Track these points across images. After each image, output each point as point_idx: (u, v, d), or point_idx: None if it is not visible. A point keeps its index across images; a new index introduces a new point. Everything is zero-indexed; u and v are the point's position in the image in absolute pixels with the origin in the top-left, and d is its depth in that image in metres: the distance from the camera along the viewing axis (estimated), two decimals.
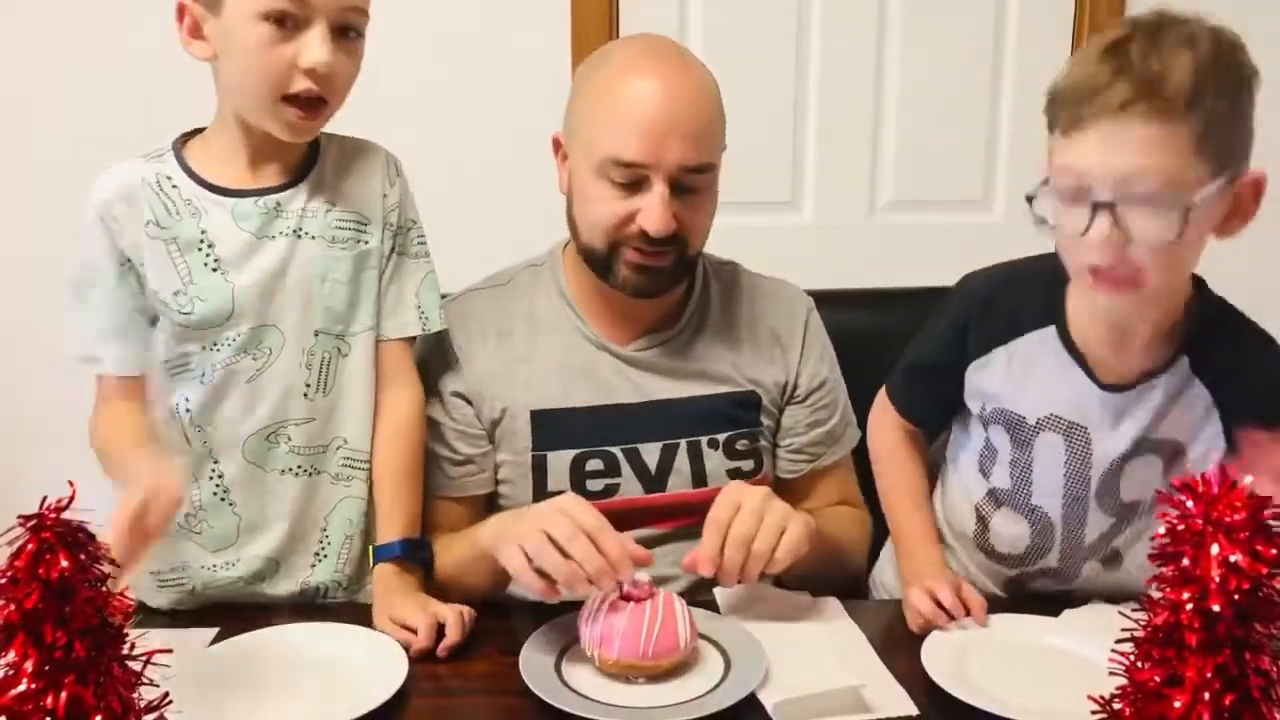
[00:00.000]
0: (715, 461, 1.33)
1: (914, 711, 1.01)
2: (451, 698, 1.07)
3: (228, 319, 1.21)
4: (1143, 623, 0.74)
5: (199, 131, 1.26)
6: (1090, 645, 1.05)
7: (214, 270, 1.20)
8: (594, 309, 1.35)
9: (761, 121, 2.21)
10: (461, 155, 2.14)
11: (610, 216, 1.24)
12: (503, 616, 1.20)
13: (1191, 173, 0.98)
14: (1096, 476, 1.18)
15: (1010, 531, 1.25)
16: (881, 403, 1.35)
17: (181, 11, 1.16)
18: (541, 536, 1.06)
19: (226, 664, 1.09)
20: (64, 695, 0.70)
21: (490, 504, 1.36)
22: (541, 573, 1.07)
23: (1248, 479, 0.70)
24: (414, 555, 1.25)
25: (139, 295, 1.22)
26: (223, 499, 1.25)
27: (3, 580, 0.70)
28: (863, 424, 1.40)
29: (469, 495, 1.34)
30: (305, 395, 1.25)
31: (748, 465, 1.35)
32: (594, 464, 1.32)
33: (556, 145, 1.33)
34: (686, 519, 1.33)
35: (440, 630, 1.14)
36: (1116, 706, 0.76)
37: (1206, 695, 0.70)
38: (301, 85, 1.15)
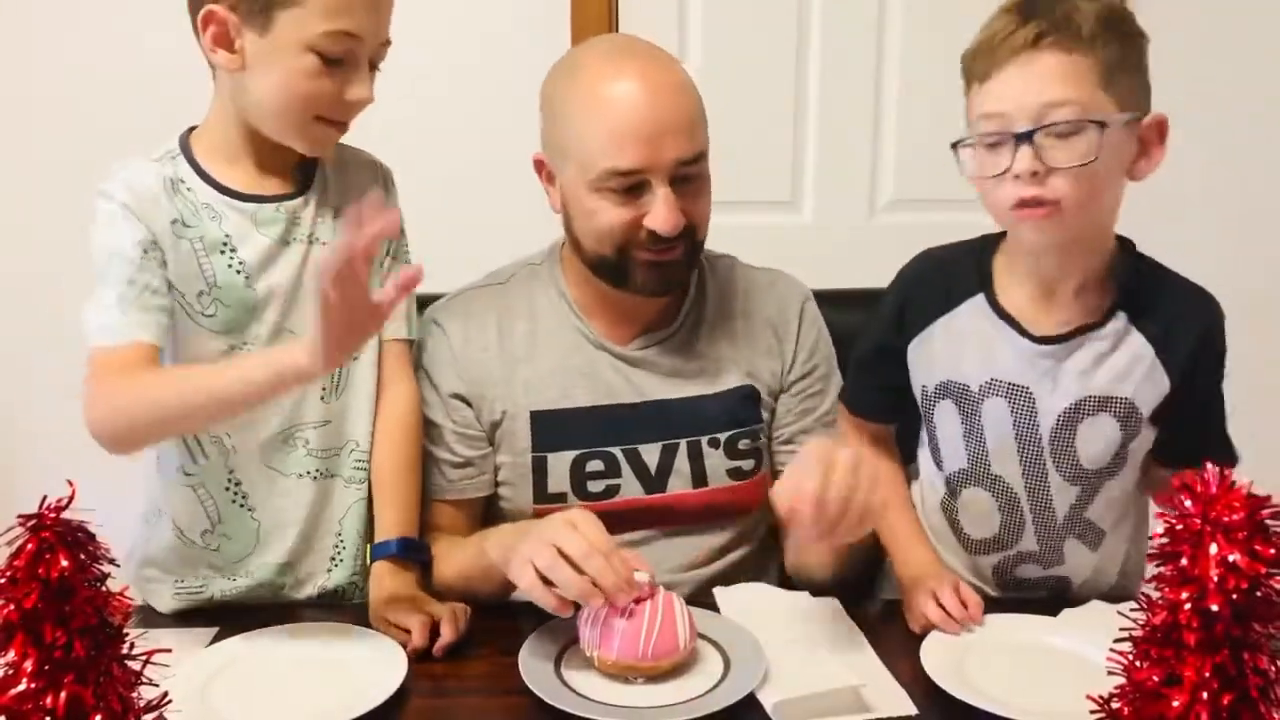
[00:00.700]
0: (715, 461, 1.33)
1: (913, 711, 1.01)
2: (450, 698, 1.07)
3: (249, 324, 1.21)
4: (1141, 622, 0.74)
5: (191, 131, 1.25)
6: (1089, 645, 1.05)
7: (238, 273, 1.20)
8: (593, 309, 1.35)
9: (761, 121, 2.21)
10: (461, 155, 2.15)
11: (617, 225, 1.23)
12: (502, 616, 1.20)
13: (1101, 103, 1.06)
14: (1046, 435, 1.20)
15: (979, 510, 1.26)
16: (841, 412, 1.36)
17: (209, 19, 1.14)
18: (553, 552, 1.05)
19: (226, 664, 1.10)
20: (63, 695, 0.70)
21: (489, 506, 1.36)
22: (549, 584, 1.07)
23: (1246, 479, 0.70)
24: (411, 554, 1.25)
25: (162, 275, 1.17)
26: (242, 506, 1.26)
27: (2, 580, 0.70)
28: None
29: (468, 498, 1.33)
30: (321, 398, 1.25)
31: (748, 464, 1.35)
32: (594, 464, 1.32)
33: (539, 166, 1.31)
34: (687, 520, 1.33)
35: (435, 629, 1.14)
36: (1115, 706, 0.76)
37: (1205, 695, 0.70)
38: (339, 114, 1.18)
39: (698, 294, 1.38)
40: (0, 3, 2.16)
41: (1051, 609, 1.19)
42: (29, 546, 0.70)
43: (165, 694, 0.76)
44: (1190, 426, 1.19)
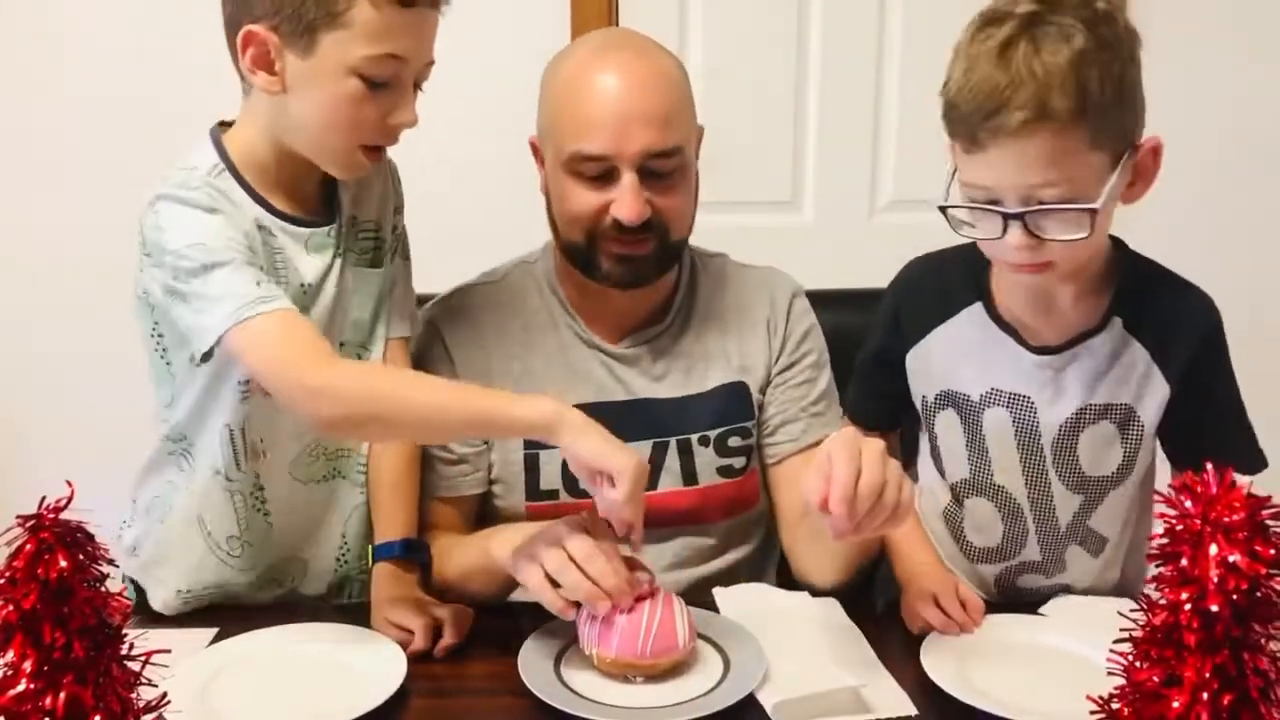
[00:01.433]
0: (706, 459, 1.33)
1: (913, 712, 1.01)
2: (450, 698, 1.07)
3: None
4: (1141, 623, 0.74)
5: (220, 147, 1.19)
6: (1089, 645, 1.05)
7: (286, 284, 1.16)
8: (584, 307, 1.35)
9: (761, 121, 2.21)
10: (460, 154, 2.14)
11: (585, 210, 1.24)
12: (502, 616, 1.20)
13: (1092, 170, 1.03)
14: (1049, 446, 1.19)
15: (982, 519, 1.25)
16: (845, 424, 1.35)
17: (249, 40, 1.10)
18: (563, 555, 1.05)
19: (226, 664, 1.10)
20: (63, 695, 0.70)
21: (482, 505, 1.36)
22: (556, 585, 1.07)
23: (1246, 479, 0.70)
24: (413, 555, 1.25)
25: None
26: (262, 513, 1.25)
27: (1, 580, 0.70)
28: None
29: (462, 495, 1.33)
30: None
31: (739, 462, 1.35)
32: None
33: (534, 148, 1.33)
34: (678, 518, 1.33)
35: (437, 631, 1.14)
36: (1115, 706, 0.76)
37: (1205, 695, 0.70)
38: (381, 139, 1.15)
39: (689, 292, 1.38)
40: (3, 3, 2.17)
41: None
42: (28, 547, 0.70)
43: (165, 694, 0.76)
44: (1202, 426, 1.17)
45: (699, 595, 1.27)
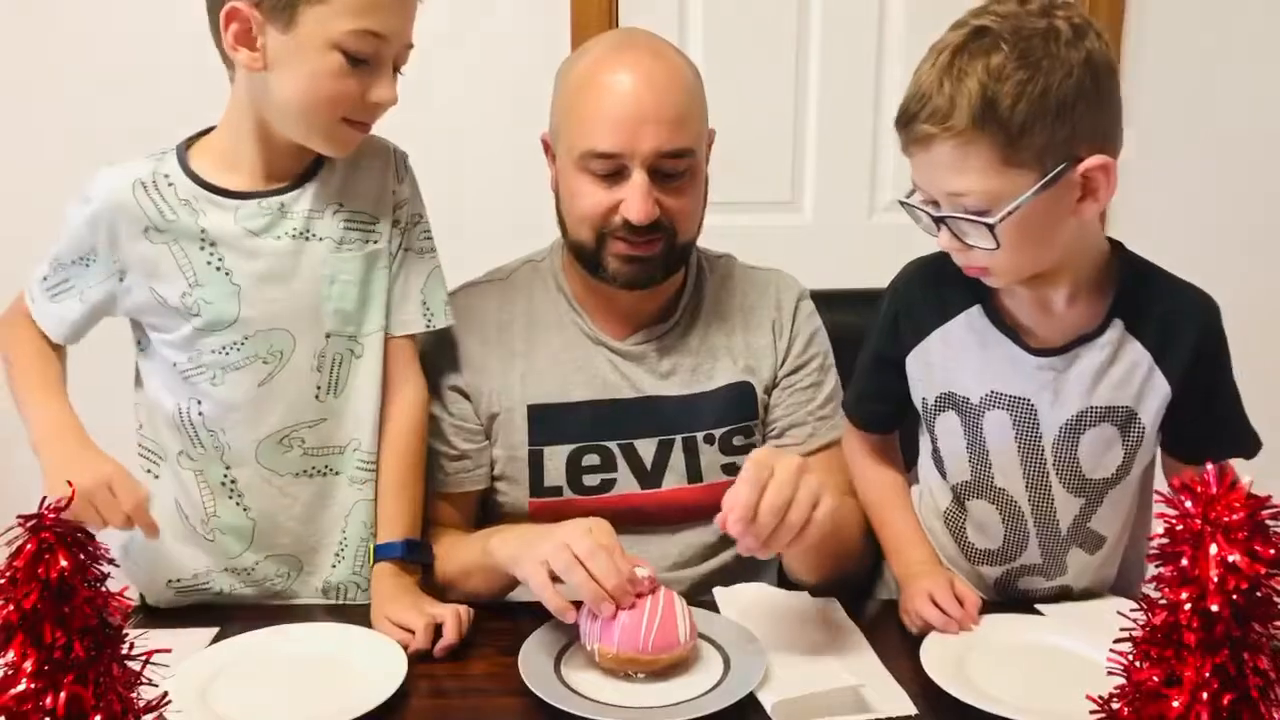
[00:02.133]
0: (710, 457, 1.33)
1: (913, 711, 1.01)
2: (450, 698, 1.08)
3: (235, 320, 1.20)
4: (1141, 623, 0.74)
5: (203, 134, 1.26)
6: (1089, 645, 1.05)
7: (218, 269, 1.20)
8: (591, 304, 1.35)
9: (761, 121, 2.21)
10: (461, 154, 2.15)
11: (594, 208, 1.25)
12: (502, 616, 1.20)
13: (1002, 183, 1.04)
14: (1049, 449, 1.19)
15: (983, 521, 1.25)
16: (845, 424, 1.36)
17: (231, 16, 1.13)
18: (570, 555, 1.06)
19: (226, 664, 1.09)
20: (63, 695, 0.70)
21: (485, 501, 1.36)
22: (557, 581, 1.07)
23: (1247, 479, 0.70)
24: (415, 556, 1.25)
25: (111, 300, 1.23)
26: (237, 503, 1.26)
27: (2, 580, 0.70)
28: None
29: (464, 491, 1.34)
30: (316, 397, 1.25)
31: (743, 460, 1.34)
32: (590, 459, 1.32)
33: (546, 146, 1.34)
34: (682, 515, 1.33)
35: (438, 631, 1.14)
36: (1115, 706, 0.76)
37: (1205, 695, 0.70)
38: (362, 115, 1.18)
39: (695, 291, 1.38)
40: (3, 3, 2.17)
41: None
42: (29, 547, 0.70)
43: (165, 694, 0.76)
44: (1203, 420, 1.17)
45: (700, 593, 1.28)
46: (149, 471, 1.29)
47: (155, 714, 0.76)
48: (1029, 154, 1.03)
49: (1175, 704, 0.71)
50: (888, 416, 1.32)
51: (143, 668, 0.75)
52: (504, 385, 1.32)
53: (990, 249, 1.06)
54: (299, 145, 1.21)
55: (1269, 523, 0.69)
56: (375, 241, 1.26)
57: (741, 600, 1.24)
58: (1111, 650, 0.76)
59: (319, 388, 1.25)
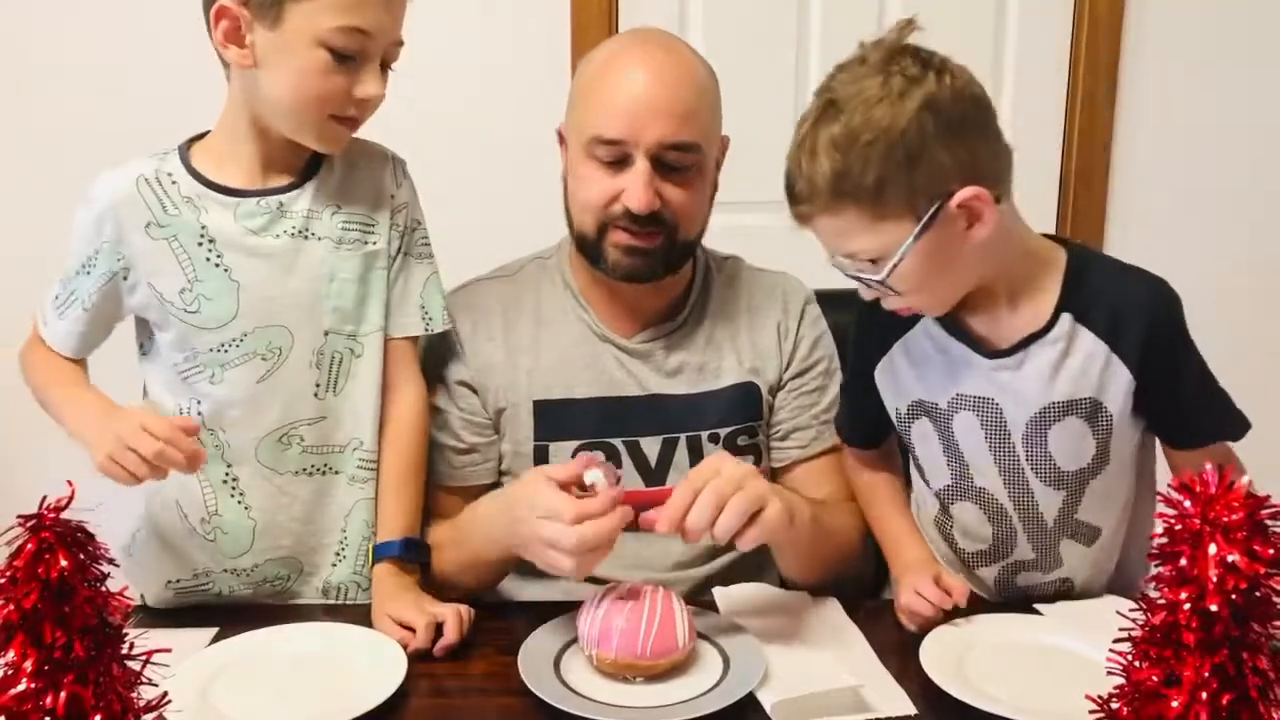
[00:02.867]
0: None
1: (912, 711, 1.01)
2: (450, 698, 1.08)
3: (234, 317, 1.21)
4: (1140, 622, 0.74)
5: (203, 135, 1.27)
6: (1089, 645, 1.05)
7: (217, 266, 1.20)
8: (598, 301, 1.36)
9: (762, 122, 2.19)
10: (461, 154, 2.15)
11: (597, 196, 1.26)
12: (502, 616, 1.20)
13: (882, 237, 1.08)
14: (1020, 445, 1.20)
15: (969, 524, 1.26)
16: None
17: (220, 14, 1.14)
18: (556, 528, 1.06)
19: (226, 664, 1.10)
20: (63, 695, 0.70)
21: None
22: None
23: (1245, 479, 0.70)
24: (413, 555, 1.25)
25: (114, 301, 1.23)
26: (239, 502, 1.26)
27: (2, 580, 0.70)
28: None
29: (471, 485, 1.34)
30: (315, 395, 1.25)
31: (747, 460, 1.35)
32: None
33: (560, 138, 1.35)
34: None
35: (439, 630, 1.14)
36: (1114, 706, 0.76)
37: (1204, 695, 0.70)
38: (350, 111, 1.18)
39: (702, 290, 1.39)
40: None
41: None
42: (29, 546, 0.70)
43: (165, 694, 0.76)
44: (1175, 404, 1.17)
45: (701, 593, 1.28)
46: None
47: (155, 714, 0.76)
48: (897, 205, 1.07)
49: (1174, 704, 0.71)
50: (870, 433, 1.33)
51: (143, 668, 0.75)
52: (510, 381, 1.33)
53: (898, 294, 1.11)
54: (295, 142, 1.21)
55: (1268, 522, 0.69)
56: (374, 242, 1.27)
57: (741, 600, 1.24)
58: (1111, 650, 0.76)
59: (318, 385, 1.25)
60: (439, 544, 1.28)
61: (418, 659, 1.10)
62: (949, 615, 1.15)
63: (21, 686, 0.70)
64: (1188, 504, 0.70)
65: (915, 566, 1.22)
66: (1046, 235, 1.22)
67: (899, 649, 1.12)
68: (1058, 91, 2.27)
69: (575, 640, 1.10)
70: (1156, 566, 0.72)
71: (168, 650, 0.75)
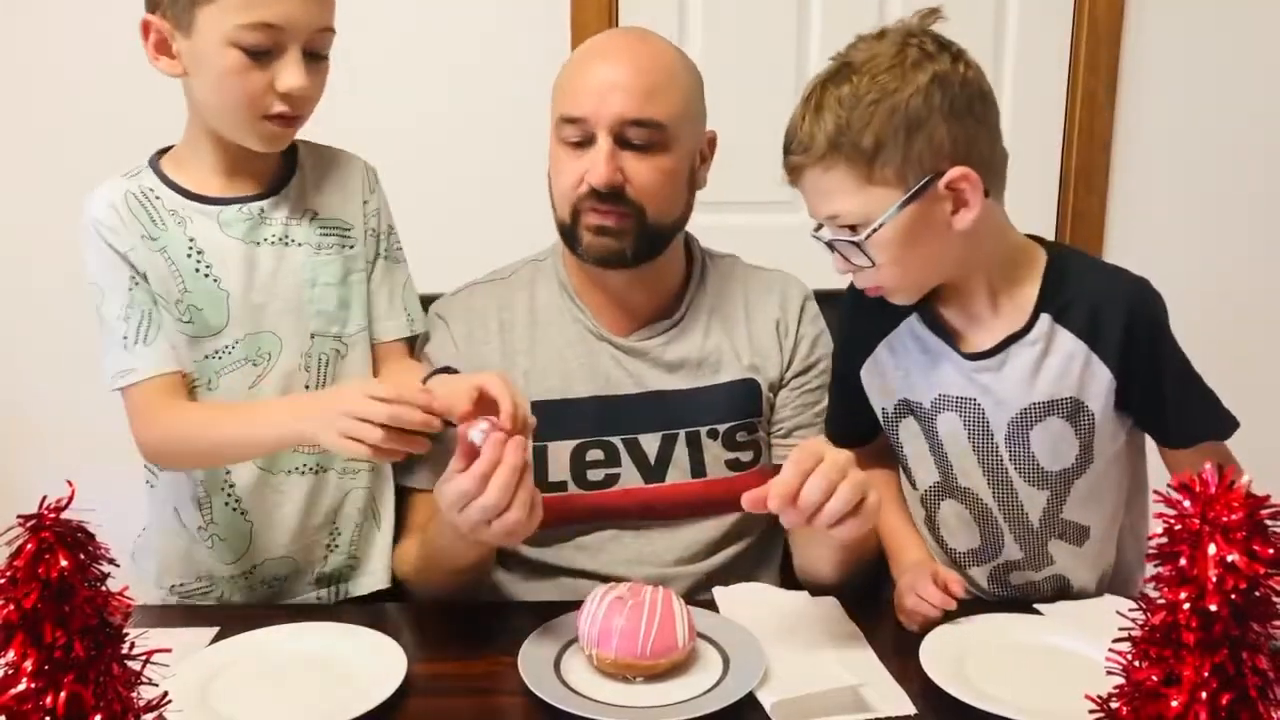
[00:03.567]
0: (714, 453, 1.34)
1: (912, 711, 1.01)
2: (450, 698, 1.07)
3: (225, 326, 1.22)
4: (1140, 622, 0.74)
5: (170, 148, 1.27)
6: (1089, 645, 1.05)
7: (206, 276, 1.21)
8: (594, 300, 1.36)
9: (761, 121, 2.20)
10: (461, 155, 2.14)
11: (568, 178, 1.26)
12: (502, 616, 1.20)
13: (868, 201, 1.10)
14: (1003, 445, 1.20)
15: (956, 524, 1.27)
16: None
17: (146, 28, 1.16)
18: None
19: (226, 664, 1.10)
20: (63, 695, 0.70)
21: None
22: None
23: (1245, 479, 0.70)
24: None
25: (152, 299, 1.22)
26: (234, 507, 1.27)
27: (2, 580, 0.70)
28: None
29: None
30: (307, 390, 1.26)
31: (747, 456, 1.35)
32: (594, 454, 1.32)
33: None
34: (685, 511, 1.33)
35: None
36: (1114, 706, 0.76)
37: (1204, 694, 0.70)
38: (278, 108, 1.17)
39: (699, 287, 1.39)
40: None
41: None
42: (29, 546, 0.70)
43: (165, 694, 0.76)
44: (1158, 402, 1.17)
45: (704, 589, 1.28)
46: (148, 482, 1.31)
47: (155, 714, 0.76)
48: (889, 170, 1.08)
49: (1174, 703, 0.71)
50: (858, 433, 1.33)
51: (143, 668, 0.75)
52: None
53: (867, 266, 1.12)
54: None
55: (1267, 522, 0.69)
56: (351, 246, 1.29)
57: (741, 600, 1.24)
58: (1110, 650, 0.76)
59: (308, 386, 1.26)
60: (407, 557, 1.29)
61: (418, 660, 1.09)
62: (949, 615, 1.15)
63: (21, 686, 0.70)
64: (1187, 504, 0.70)
65: (914, 567, 1.22)
66: (1029, 236, 1.23)
67: (899, 649, 1.12)
68: (1058, 91, 2.27)
69: (575, 640, 1.10)
70: (1155, 566, 0.72)
71: (168, 650, 0.75)
